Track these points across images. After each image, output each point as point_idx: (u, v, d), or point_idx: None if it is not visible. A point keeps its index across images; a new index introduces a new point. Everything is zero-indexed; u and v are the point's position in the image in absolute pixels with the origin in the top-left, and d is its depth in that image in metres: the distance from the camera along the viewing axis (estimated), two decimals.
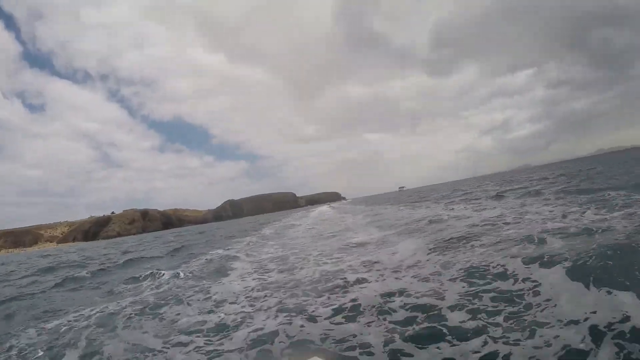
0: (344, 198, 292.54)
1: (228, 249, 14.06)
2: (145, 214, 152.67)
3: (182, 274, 8.85)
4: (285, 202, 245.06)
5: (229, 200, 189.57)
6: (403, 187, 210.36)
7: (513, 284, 4.11)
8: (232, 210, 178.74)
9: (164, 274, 9.11)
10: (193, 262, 11.39)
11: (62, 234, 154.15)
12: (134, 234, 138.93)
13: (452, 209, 14.81)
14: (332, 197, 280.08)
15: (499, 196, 16.59)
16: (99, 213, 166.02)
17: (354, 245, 9.67)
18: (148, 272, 9.64)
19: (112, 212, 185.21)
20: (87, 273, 12.32)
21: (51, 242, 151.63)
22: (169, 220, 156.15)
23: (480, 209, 12.52)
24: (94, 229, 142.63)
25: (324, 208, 62.57)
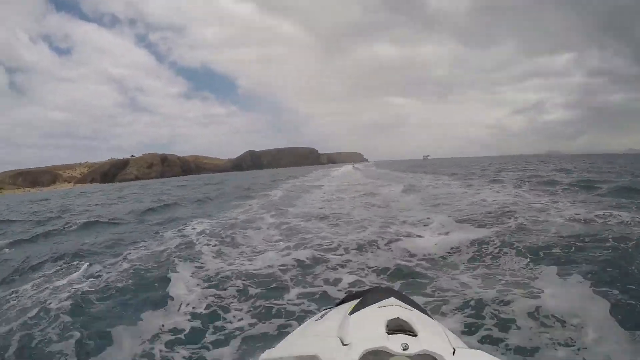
0: (366, 160, 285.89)
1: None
2: (164, 159, 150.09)
3: None
4: (306, 158, 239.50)
5: (249, 150, 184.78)
6: (427, 156, 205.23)
7: None
8: (252, 161, 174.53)
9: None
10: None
11: (81, 174, 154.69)
12: (152, 178, 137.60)
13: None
14: (354, 157, 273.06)
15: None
16: (121, 156, 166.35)
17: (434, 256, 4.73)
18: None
19: (132, 156, 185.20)
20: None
21: (69, 182, 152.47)
22: (188, 166, 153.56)
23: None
24: (112, 171, 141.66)
25: (348, 168, 56.30)
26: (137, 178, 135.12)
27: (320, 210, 9.55)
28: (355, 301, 1.16)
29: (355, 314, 1.06)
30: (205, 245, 5.94)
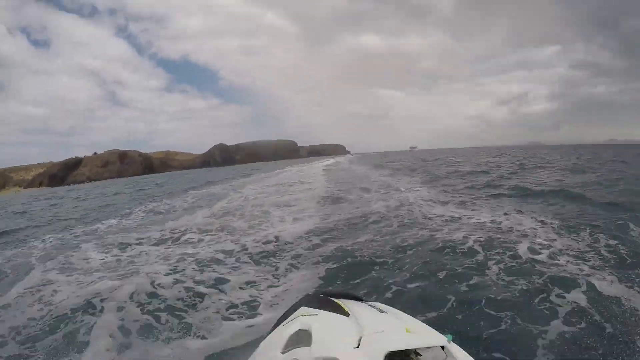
0: (348, 152, 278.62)
1: None
2: (123, 156, 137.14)
3: None
4: (284, 151, 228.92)
5: (218, 144, 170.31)
6: (415, 147, 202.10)
7: None
8: (220, 157, 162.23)
9: None
10: None
11: (35, 176, 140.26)
12: (107, 178, 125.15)
13: None
14: (336, 150, 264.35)
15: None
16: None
17: None
18: None
19: (95, 153, 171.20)
20: None
21: (20, 186, 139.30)
22: (151, 164, 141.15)
23: None
24: (61, 173, 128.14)
25: (328, 162, 48.71)
26: (89, 179, 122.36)
27: None
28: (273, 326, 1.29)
29: (264, 341, 1.16)
30: None
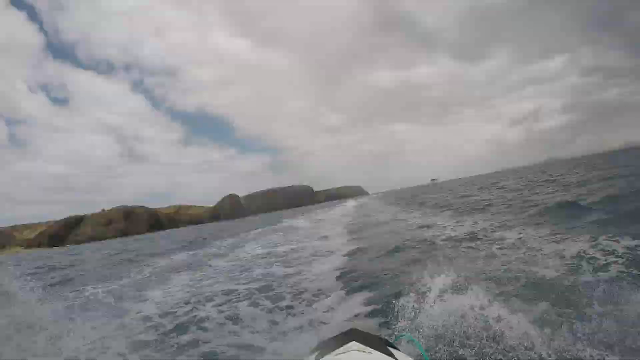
0: (367, 193, 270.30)
1: None
2: (128, 213, 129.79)
3: None
4: (300, 197, 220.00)
5: (227, 195, 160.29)
6: (436, 180, 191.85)
7: None
8: (231, 208, 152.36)
9: None
10: None
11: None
12: (111, 237, 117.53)
13: None
14: (354, 192, 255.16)
15: None
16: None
17: None
18: None
19: (103, 210, 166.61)
20: None
21: (21, 245, 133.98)
22: (158, 220, 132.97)
23: None
24: (62, 232, 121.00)
25: (348, 205, 41.35)
26: (92, 239, 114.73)
27: None
28: (317, 352, 1.30)
29: None
30: None
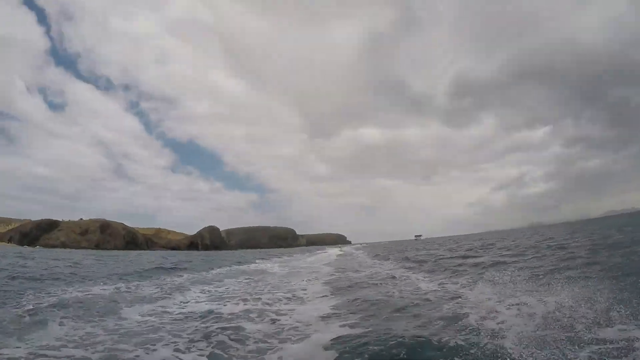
0: (349, 242, 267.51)
1: None
2: (105, 226, 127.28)
3: None
4: (283, 239, 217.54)
5: (208, 227, 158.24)
6: (420, 236, 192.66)
7: None
8: (210, 239, 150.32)
9: None
10: None
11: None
12: (84, 248, 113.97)
13: None
14: (336, 240, 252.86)
15: None
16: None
17: None
18: None
19: (80, 219, 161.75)
20: None
21: None
22: (135, 239, 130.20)
23: None
24: (34, 233, 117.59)
25: (331, 252, 40.01)
26: (64, 245, 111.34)
27: None
28: None
29: None
30: None
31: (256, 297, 9.37)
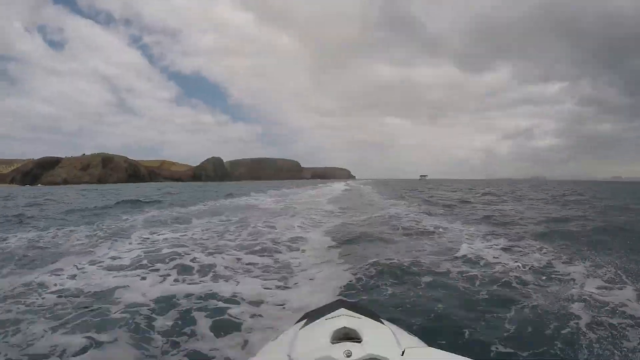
0: (353, 177, 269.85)
1: None
2: (107, 160, 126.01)
3: None
4: (286, 171, 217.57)
5: (211, 158, 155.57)
6: (425, 176, 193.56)
7: None
8: (214, 171, 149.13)
9: None
10: None
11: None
12: (86, 182, 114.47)
13: None
14: (341, 174, 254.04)
15: None
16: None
17: None
18: None
19: (83, 154, 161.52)
20: None
21: None
22: (138, 172, 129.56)
23: None
24: (36, 171, 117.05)
25: (337, 187, 38.31)
26: (66, 182, 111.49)
27: None
28: (306, 319, 1.30)
29: (303, 329, 1.20)
30: None
31: (206, 264, 4.69)
